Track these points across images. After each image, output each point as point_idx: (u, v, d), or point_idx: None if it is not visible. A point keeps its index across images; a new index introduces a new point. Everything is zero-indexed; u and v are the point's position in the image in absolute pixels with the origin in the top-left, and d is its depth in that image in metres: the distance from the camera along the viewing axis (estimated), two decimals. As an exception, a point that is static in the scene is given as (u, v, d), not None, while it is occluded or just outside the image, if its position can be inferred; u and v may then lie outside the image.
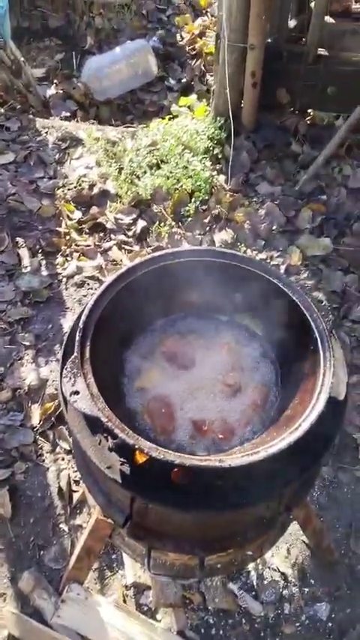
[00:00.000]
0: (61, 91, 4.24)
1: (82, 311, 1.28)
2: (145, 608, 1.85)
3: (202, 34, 4.73)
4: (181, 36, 4.84)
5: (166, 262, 1.45)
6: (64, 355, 1.31)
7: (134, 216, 3.16)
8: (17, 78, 3.90)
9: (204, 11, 5.10)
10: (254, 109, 3.41)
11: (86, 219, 3.13)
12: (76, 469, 2.12)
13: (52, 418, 2.30)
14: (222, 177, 3.32)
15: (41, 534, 2.01)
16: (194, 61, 4.60)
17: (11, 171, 3.37)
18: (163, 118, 3.71)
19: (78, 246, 3.01)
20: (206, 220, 3.14)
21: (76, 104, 4.18)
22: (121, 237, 3.07)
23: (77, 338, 1.21)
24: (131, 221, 3.14)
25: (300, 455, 1.13)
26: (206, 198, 3.20)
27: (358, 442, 2.28)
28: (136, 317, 1.47)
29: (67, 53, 4.70)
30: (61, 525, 2.04)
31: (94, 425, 1.18)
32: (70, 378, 1.15)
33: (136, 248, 3.02)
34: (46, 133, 3.64)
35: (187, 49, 4.72)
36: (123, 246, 3.03)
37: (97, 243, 3.03)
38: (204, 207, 3.18)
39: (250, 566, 1.94)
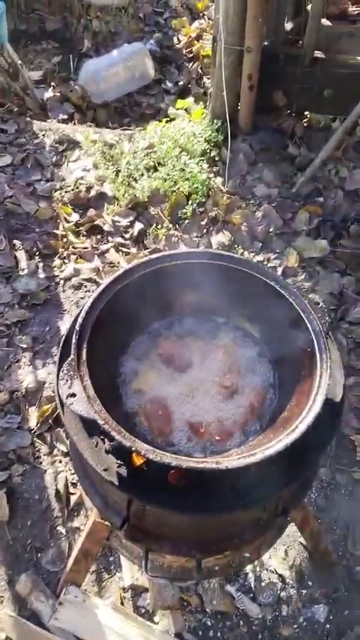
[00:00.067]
0: (59, 94, 4.24)
1: (79, 313, 1.28)
2: (143, 611, 1.85)
3: (199, 37, 4.74)
4: (178, 39, 4.85)
5: (163, 264, 1.45)
6: (60, 357, 1.31)
7: (131, 218, 3.16)
8: (14, 81, 3.91)
9: (201, 14, 5.11)
10: (251, 112, 3.42)
11: (83, 222, 3.13)
12: (73, 471, 2.11)
13: (50, 420, 2.30)
14: (219, 180, 3.33)
15: (39, 537, 2.01)
16: (191, 64, 4.61)
17: (8, 173, 3.37)
18: (161, 121, 3.72)
19: (75, 248, 3.01)
20: (203, 222, 3.14)
21: (74, 107, 4.18)
22: (119, 239, 3.07)
23: (74, 340, 1.21)
24: (128, 223, 3.14)
25: (297, 456, 1.13)
26: (203, 200, 3.20)
27: (356, 444, 2.28)
28: (133, 319, 1.47)
29: (65, 56, 4.71)
30: (58, 528, 2.04)
31: (90, 427, 1.18)
32: (67, 380, 1.15)
33: (134, 250, 3.03)
34: (44, 135, 3.65)
35: (184, 51, 4.73)
36: (120, 248, 3.03)
37: (94, 246, 3.03)
38: (201, 209, 3.19)
39: (248, 568, 1.94)
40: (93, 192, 3.26)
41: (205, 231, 3.12)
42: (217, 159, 3.40)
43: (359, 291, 2.82)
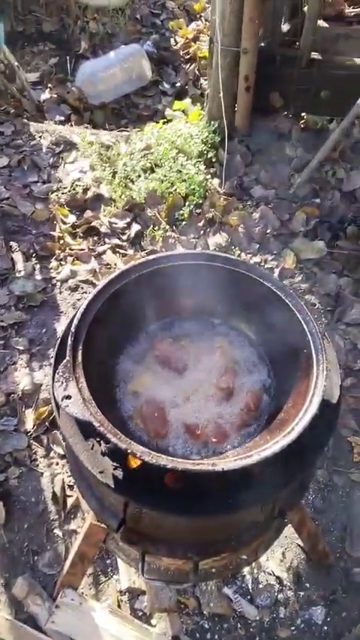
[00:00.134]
0: (55, 96, 4.24)
1: (75, 315, 1.28)
2: (140, 613, 1.84)
3: (196, 39, 4.75)
4: (175, 40, 4.86)
5: (159, 266, 1.45)
6: (56, 359, 1.30)
7: (128, 220, 3.16)
8: (11, 82, 3.90)
9: (198, 16, 5.12)
10: (248, 113, 3.42)
11: (80, 223, 3.13)
12: (69, 474, 2.11)
13: (46, 423, 2.29)
14: (216, 181, 3.33)
15: (35, 540, 2.00)
16: (188, 66, 4.62)
17: (5, 175, 3.37)
18: (157, 122, 3.72)
19: (72, 250, 3.00)
20: (200, 224, 3.14)
21: (70, 108, 4.18)
22: (115, 241, 3.07)
23: (69, 342, 1.20)
24: (125, 225, 3.14)
25: (294, 458, 1.13)
26: (200, 201, 3.20)
27: (353, 445, 2.28)
28: (129, 320, 1.47)
29: (62, 57, 4.70)
30: (55, 530, 2.03)
31: (86, 429, 1.18)
32: (62, 382, 1.15)
33: (130, 252, 3.02)
34: (40, 137, 3.64)
35: (181, 53, 4.74)
36: (117, 250, 3.03)
37: (91, 247, 3.03)
38: (198, 210, 3.19)
39: (245, 570, 1.93)
40: (90, 194, 3.25)
41: (202, 232, 3.12)
42: (214, 160, 3.40)
43: (356, 292, 2.82)
